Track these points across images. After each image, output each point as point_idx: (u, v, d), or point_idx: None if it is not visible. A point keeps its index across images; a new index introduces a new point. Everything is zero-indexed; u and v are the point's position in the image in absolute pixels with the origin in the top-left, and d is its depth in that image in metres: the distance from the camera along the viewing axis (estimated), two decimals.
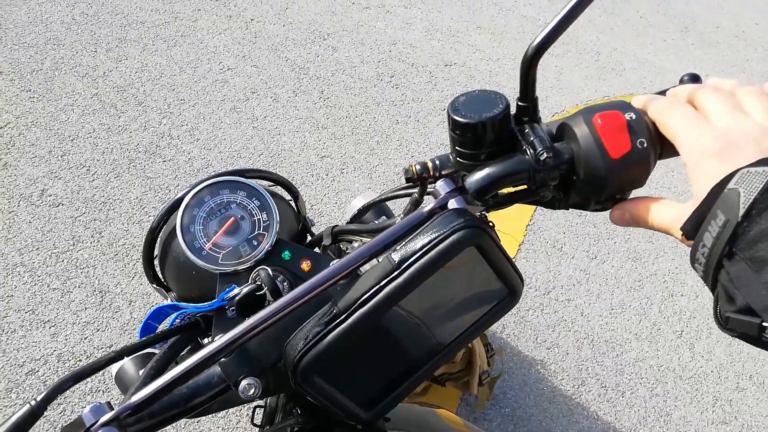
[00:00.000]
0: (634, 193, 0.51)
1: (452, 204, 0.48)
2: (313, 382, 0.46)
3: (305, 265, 0.62)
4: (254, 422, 0.77)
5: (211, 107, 2.45)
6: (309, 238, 0.82)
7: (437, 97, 2.84)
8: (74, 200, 1.98)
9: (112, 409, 0.43)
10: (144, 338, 0.57)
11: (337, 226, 0.71)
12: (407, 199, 0.65)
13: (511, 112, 0.51)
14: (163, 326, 0.64)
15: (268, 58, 2.78)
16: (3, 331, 1.62)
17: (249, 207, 0.63)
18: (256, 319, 0.45)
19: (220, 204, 0.62)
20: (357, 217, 0.76)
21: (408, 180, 0.53)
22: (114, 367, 0.72)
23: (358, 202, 0.81)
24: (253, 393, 0.50)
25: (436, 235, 0.45)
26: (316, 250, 0.77)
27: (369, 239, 0.62)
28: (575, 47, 3.52)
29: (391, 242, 0.47)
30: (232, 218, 0.62)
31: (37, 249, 1.82)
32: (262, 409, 0.79)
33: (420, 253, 0.45)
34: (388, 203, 0.83)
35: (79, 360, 1.62)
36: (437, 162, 0.53)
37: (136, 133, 2.26)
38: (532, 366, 1.92)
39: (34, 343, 1.62)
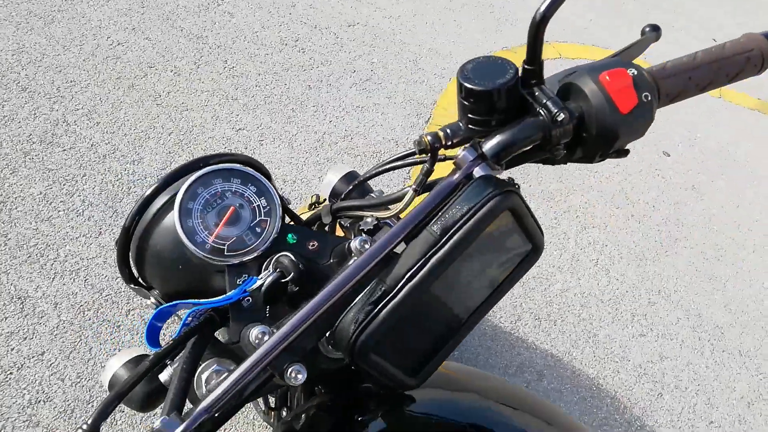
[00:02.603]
0: None
1: (477, 171, 0.50)
2: (369, 359, 0.47)
3: (312, 247, 0.61)
4: (270, 406, 0.75)
5: (107, 87, 2.27)
6: (287, 218, 0.80)
7: (346, 58, 2.81)
8: None
9: (182, 420, 0.41)
10: (165, 347, 0.54)
11: (334, 203, 0.70)
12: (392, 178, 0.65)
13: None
14: (165, 326, 0.61)
15: (160, 29, 2.59)
16: None
17: (246, 194, 0.61)
18: (311, 307, 0.45)
19: (215, 195, 0.60)
20: (350, 193, 0.75)
21: (421, 152, 0.53)
22: (106, 374, 0.67)
23: (333, 176, 0.80)
24: (301, 378, 0.50)
25: (474, 203, 0.47)
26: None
27: (371, 213, 0.62)
28: (470, 1, 3.59)
29: (428, 213, 0.48)
30: (232, 208, 0.59)
31: None
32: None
33: (461, 222, 0.46)
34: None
35: (10, 374, 1.49)
36: (448, 131, 0.53)
37: (26, 122, 2.04)
38: None
39: None
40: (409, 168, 2.42)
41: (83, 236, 1.81)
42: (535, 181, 2.58)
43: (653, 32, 0.63)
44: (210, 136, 2.24)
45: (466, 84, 0.50)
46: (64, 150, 2.01)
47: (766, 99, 3.85)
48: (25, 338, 1.56)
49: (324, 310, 0.45)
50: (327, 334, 0.54)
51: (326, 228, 0.75)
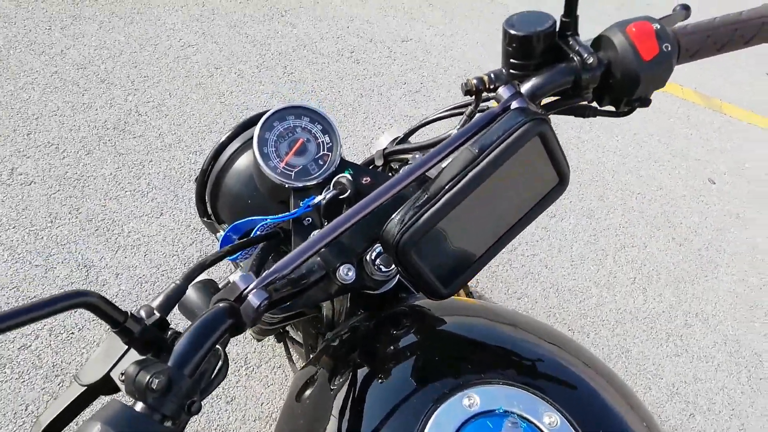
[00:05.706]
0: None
1: (514, 105, 0.58)
2: (410, 257, 0.54)
3: (365, 182, 0.69)
4: (316, 328, 0.82)
5: (176, 83, 2.45)
6: None
7: (397, 71, 2.93)
8: (46, 178, 1.95)
9: (257, 277, 0.49)
10: (228, 246, 0.63)
11: (386, 148, 0.79)
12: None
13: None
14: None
15: (228, 35, 2.78)
16: None
17: (313, 131, 0.70)
18: (360, 206, 0.53)
19: (287, 128, 0.69)
20: (404, 140, 0.84)
21: (467, 93, 0.61)
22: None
23: (385, 140, 0.89)
24: (351, 276, 0.58)
25: (508, 126, 0.55)
26: None
27: (419, 154, 0.70)
28: None
29: (469, 137, 0.56)
30: (300, 140, 0.69)
31: (14, 227, 1.79)
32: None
33: (496, 142, 0.54)
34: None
35: (72, 333, 1.62)
36: (492, 75, 0.61)
37: (102, 110, 2.23)
38: None
39: None
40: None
41: (146, 215, 1.95)
42: (575, 198, 2.61)
43: (683, 11, 0.70)
44: None
45: (510, 30, 0.58)
46: (135, 137, 2.18)
47: None
48: None
49: (370, 210, 0.52)
50: (370, 255, 0.62)
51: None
